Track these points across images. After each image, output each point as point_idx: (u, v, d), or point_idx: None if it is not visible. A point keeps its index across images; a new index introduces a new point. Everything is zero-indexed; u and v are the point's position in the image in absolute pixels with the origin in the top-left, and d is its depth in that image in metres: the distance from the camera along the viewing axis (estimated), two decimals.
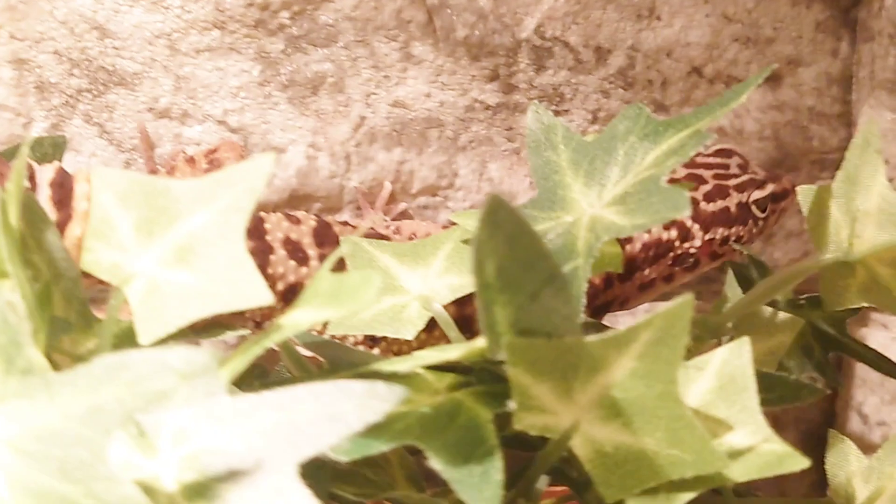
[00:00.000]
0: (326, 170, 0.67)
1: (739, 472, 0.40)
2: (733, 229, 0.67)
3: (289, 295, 0.58)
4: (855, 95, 0.80)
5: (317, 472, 0.42)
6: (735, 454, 0.41)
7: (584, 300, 0.45)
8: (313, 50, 0.66)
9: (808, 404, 0.67)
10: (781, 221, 0.72)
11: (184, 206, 0.43)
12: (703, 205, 0.65)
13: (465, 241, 0.56)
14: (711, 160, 0.68)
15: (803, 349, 0.64)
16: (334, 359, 0.46)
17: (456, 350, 0.42)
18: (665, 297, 0.73)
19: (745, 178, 0.67)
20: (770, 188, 0.67)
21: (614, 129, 0.52)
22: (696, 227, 0.65)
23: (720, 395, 0.43)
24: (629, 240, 0.64)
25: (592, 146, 0.52)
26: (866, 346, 0.66)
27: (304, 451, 0.35)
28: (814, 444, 0.82)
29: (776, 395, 0.46)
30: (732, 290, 0.65)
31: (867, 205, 0.52)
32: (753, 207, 0.67)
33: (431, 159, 0.70)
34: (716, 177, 0.67)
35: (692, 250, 0.66)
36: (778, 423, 0.79)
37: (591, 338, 0.39)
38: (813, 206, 0.53)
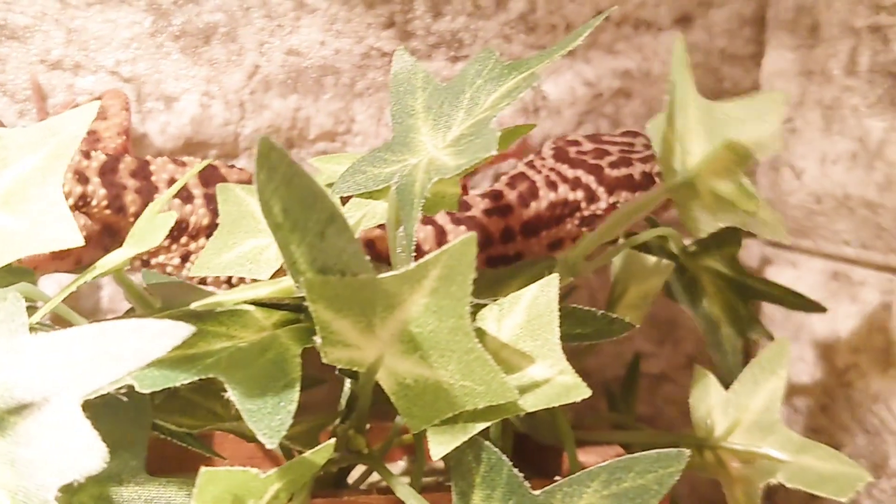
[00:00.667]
0: (220, 117, 0.69)
1: (531, 403, 0.42)
2: (637, 195, 0.68)
3: (174, 232, 0.59)
4: (768, 36, 0.80)
5: (139, 404, 0.44)
6: (533, 385, 0.43)
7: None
8: (205, 0, 0.68)
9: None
10: None
11: (13, 152, 0.45)
12: (608, 170, 0.66)
13: (329, 185, 0.57)
14: (618, 139, 0.69)
15: (730, 314, 0.65)
16: (168, 297, 0.48)
17: (267, 287, 0.44)
18: None
19: (648, 153, 0.68)
20: None
21: (465, 73, 0.53)
22: (602, 189, 0.66)
23: (527, 330, 0.44)
24: (536, 197, 0.66)
25: (445, 90, 0.53)
26: (770, 283, 0.67)
27: (87, 387, 0.37)
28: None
29: (591, 329, 0.48)
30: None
31: (688, 120, 0.52)
32: (657, 178, 0.68)
33: (328, 106, 0.71)
34: (621, 151, 0.68)
35: (598, 212, 0.67)
36: (693, 362, 0.81)
37: (385, 275, 0.41)
38: (658, 137, 0.54)
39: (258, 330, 0.45)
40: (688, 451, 0.39)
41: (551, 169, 0.67)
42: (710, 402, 0.58)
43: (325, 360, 0.42)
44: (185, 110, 0.68)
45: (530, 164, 0.68)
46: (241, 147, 0.70)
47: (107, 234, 0.59)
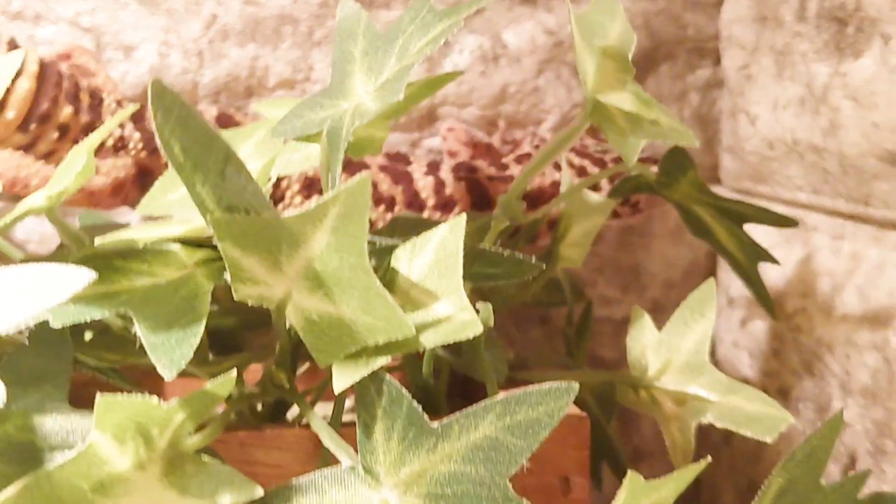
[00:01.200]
0: (179, 66, 0.70)
1: (430, 339, 0.43)
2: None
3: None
4: None
5: (60, 339, 0.46)
6: (436, 322, 0.44)
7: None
8: None
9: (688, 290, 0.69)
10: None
11: None
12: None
13: None
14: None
15: (737, 242, 0.65)
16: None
17: (179, 227, 0.46)
18: None
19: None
20: None
21: (401, 20, 0.54)
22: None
23: (435, 269, 0.46)
24: (542, 173, 0.68)
25: (382, 37, 0.54)
26: (751, 204, 0.66)
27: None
28: None
29: (501, 270, 0.49)
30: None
31: (581, 43, 0.53)
32: None
33: (286, 55, 0.72)
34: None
35: None
36: (658, 307, 0.82)
37: (288, 213, 0.42)
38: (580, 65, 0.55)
39: (180, 268, 0.47)
40: (576, 385, 0.40)
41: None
42: (645, 342, 0.59)
43: (236, 298, 0.43)
44: (143, 59, 0.70)
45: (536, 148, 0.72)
46: (199, 95, 0.71)
47: (144, 175, 0.64)
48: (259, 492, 0.41)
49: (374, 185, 0.67)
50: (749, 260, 0.64)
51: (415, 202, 0.68)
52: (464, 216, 0.46)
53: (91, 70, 0.66)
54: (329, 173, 0.49)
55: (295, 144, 0.57)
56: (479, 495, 0.41)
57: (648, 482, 0.41)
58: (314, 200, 0.67)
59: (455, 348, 0.54)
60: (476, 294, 0.65)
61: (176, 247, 0.47)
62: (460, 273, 0.44)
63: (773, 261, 0.65)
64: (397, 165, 0.69)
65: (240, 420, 0.52)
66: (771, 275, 0.72)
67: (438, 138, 0.76)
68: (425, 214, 0.68)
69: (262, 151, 0.59)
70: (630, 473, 0.41)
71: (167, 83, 0.39)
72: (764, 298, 0.65)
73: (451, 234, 0.46)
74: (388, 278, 0.46)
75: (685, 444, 0.56)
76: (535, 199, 0.70)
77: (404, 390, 0.43)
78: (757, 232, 0.74)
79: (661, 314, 0.61)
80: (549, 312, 0.80)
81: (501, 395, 0.42)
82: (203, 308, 0.43)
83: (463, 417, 0.42)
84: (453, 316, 0.44)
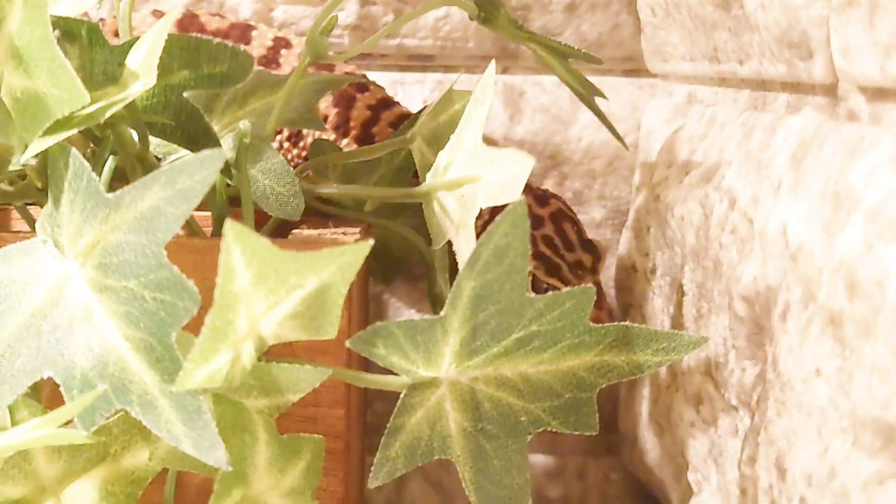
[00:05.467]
0: None
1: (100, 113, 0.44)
2: None
3: None
4: None
5: None
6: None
7: None
8: None
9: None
10: None
11: None
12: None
13: None
14: None
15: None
16: None
17: None
18: None
19: None
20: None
21: None
22: None
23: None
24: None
25: None
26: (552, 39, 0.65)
27: None
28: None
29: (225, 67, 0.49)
30: None
31: None
32: None
33: None
34: None
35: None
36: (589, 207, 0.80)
37: None
38: None
39: None
40: (225, 153, 0.40)
41: None
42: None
43: None
44: None
45: None
46: None
47: None
48: None
49: None
50: (588, 93, 0.63)
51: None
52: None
53: None
54: None
55: None
56: (139, 263, 0.42)
57: None
58: None
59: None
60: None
61: None
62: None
63: (603, 96, 0.63)
64: None
65: None
66: (652, 146, 0.70)
67: None
68: None
69: None
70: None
71: None
72: (609, 127, 0.64)
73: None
74: None
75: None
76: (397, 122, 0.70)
77: (87, 164, 0.43)
78: (655, 108, 0.72)
79: None
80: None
81: (166, 166, 0.42)
82: None
83: (134, 189, 0.42)
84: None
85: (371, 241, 0.41)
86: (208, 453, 0.40)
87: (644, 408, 0.67)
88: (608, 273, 0.79)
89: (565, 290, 0.45)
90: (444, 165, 0.53)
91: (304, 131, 0.69)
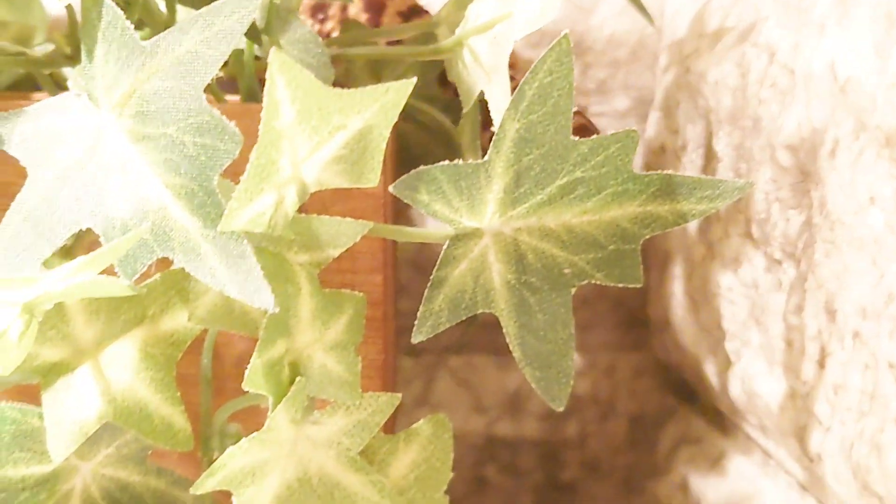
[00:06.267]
0: None
1: None
2: None
3: None
4: None
5: None
6: None
7: None
8: None
9: None
10: None
11: None
12: None
13: None
14: None
15: None
16: None
17: None
18: None
19: None
20: None
21: None
22: None
23: None
24: None
25: None
26: None
27: None
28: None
29: None
30: None
31: None
32: None
33: None
34: None
35: None
36: None
37: None
38: None
39: None
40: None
41: None
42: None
43: None
44: None
45: None
46: None
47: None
48: None
49: None
50: None
51: None
52: None
53: None
54: None
55: None
56: (177, 108, 0.41)
57: None
58: None
59: None
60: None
61: None
62: None
63: None
64: None
65: None
66: (679, 24, 0.69)
67: None
68: None
69: None
70: None
71: None
72: (637, 4, 0.62)
73: None
74: None
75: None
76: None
77: (120, 12, 0.42)
78: None
79: None
80: None
81: (204, 9, 0.41)
82: None
83: (170, 35, 0.41)
84: None
85: (414, 79, 0.40)
86: (254, 296, 0.39)
87: (677, 287, 0.67)
88: (636, 164, 0.78)
89: (610, 133, 0.45)
90: (474, 16, 0.53)
91: (329, 12, 0.67)
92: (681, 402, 0.77)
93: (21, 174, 0.43)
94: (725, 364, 0.59)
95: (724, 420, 0.68)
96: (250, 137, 0.39)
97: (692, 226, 0.63)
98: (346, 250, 0.51)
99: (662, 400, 0.82)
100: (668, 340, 0.71)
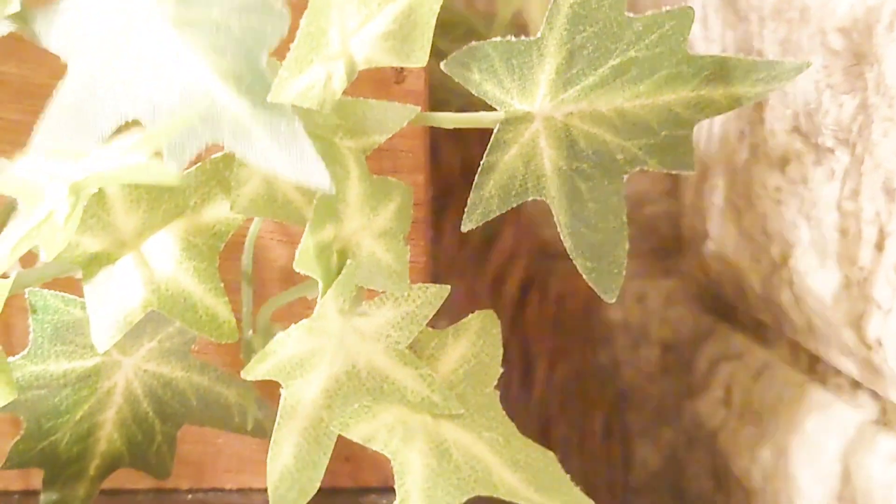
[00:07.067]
0: None
1: None
2: None
3: None
4: None
5: None
6: None
7: None
8: None
9: None
10: None
11: None
12: None
13: None
14: None
15: None
16: None
17: None
18: None
19: None
20: None
21: None
22: None
23: None
24: None
25: None
26: None
27: None
28: None
29: None
30: None
31: None
32: None
33: None
34: None
35: None
36: None
37: None
38: None
39: None
40: None
41: None
42: None
43: None
44: None
45: None
46: None
47: None
48: None
49: None
50: None
51: None
52: None
53: None
54: None
55: None
56: None
57: None
58: None
59: None
60: None
61: None
62: None
63: None
64: None
65: None
66: None
67: None
68: None
69: None
70: None
71: None
72: None
73: None
74: None
75: None
76: None
77: None
78: None
79: None
80: None
81: None
82: None
83: None
84: None
85: None
86: (309, 176, 0.38)
87: (718, 196, 0.65)
88: None
89: (665, 9, 0.43)
90: None
91: None
92: (717, 322, 0.76)
93: (55, 75, 0.42)
94: (771, 268, 0.58)
95: (765, 332, 0.67)
96: (297, 13, 0.38)
97: (733, 131, 0.62)
98: (389, 150, 0.50)
99: (696, 325, 0.81)
100: (705, 253, 0.70)
